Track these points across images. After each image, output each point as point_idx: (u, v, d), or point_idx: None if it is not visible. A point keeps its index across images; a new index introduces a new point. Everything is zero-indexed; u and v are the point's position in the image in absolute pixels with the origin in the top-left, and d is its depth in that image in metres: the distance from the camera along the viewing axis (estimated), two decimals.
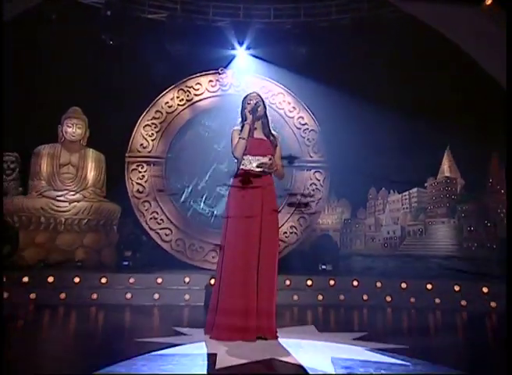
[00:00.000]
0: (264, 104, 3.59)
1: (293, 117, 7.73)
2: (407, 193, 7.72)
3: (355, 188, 7.81)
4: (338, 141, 7.44)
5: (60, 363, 2.66)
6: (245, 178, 3.36)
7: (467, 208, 7.15)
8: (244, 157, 3.38)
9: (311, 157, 7.61)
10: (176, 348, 2.95)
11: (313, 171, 7.57)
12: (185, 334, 3.42)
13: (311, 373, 2.42)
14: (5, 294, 4.79)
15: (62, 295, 4.90)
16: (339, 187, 8.01)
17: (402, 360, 2.74)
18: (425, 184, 7.62)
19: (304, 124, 7.72)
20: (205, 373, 2.38)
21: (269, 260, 3.22)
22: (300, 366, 2.55)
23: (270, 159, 3.36)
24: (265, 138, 3.48)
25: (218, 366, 2.51)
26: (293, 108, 7.74)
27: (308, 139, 7.67)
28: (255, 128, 3.47)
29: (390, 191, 7.87)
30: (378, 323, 4.59)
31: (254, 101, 3.47)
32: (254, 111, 3.42)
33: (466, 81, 7.11)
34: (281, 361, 2.68)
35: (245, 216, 3.20)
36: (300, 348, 3.03)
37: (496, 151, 7.05)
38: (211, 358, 2.67)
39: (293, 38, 7.62)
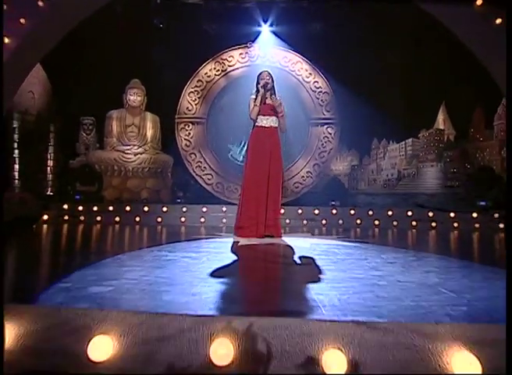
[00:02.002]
0: (272, 79, 4.80)
1: (309, 82, 8.80)
2: (403, 143, 8.76)
3: (361, 140, 8.91)
4: (347, 100, 8.48)
5: (152, 242, 4.23)
6: (259, 131, 4.69)
7: (452, 154, 8.16)
8: (258, 117, 4.68)
9: (324, 115, 8.73)
10: (215, 238, 4.46)
11: (326, 126, 8.72)
12: (221, 235, 4.92)
13: (294, 248, 3.81)
14: (99, 218, 6.49)
15: (137, 218, 6.53)
16: (350, 139, 9.11)
17: (360, 244, 4.10)
18: (419, 135, 8.61)
19: (318, 87, 8.79)
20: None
21: (275, 183, 4.57)
22: (289, 246, 3.98)
23: (279, 101, 4.65)
24: (273, 103, 4.74)
25: (239, 244, 3.98)
26: (310, 74, 8.80)
27: (322, 100, 8.76)
28: (266, 97, 4.73)
29: (390, 141, 8.93)
30: (363, 234, 5.84)
31: (266, 79, 4.70)
32: (265, 86, 4.67)
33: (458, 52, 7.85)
34: (278, 243, 4.12)
35: (259, 155, 4.55)
36: (294, 240, 4.44)
37: (480, 107, 7.89)
38: (236, 242, 4.13)
39: (309, 15, 8.53)
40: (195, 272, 2.39)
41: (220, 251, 3.41)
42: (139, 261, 2.81)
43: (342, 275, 2.37)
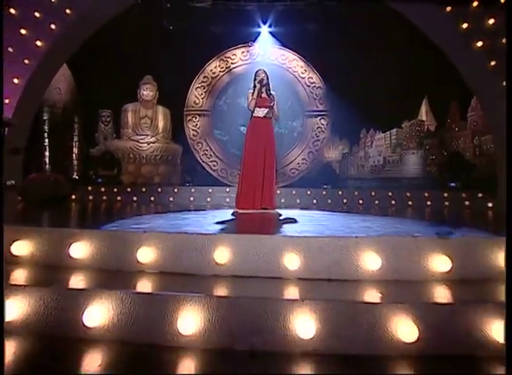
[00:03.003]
0: (267, 76, 5.54)
1: (304, 77, 9.56)
2: (388, 132, 9.49)
3: (351, 130, 9.66)
4: (339, 94, 9.21)
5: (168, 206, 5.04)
6: (255, 121, 5.46)
7: (431, 142, 8.88)
8: (255, 109, 5.44)
9: (318, 107, 9.50)
10: (219, 210, 5.26)
11: (319, 118, 9.49)
12: (224, 208, 5.73)
13: (282, 214, 4.60)
14: (119, 197, 7.31)
15: (152, 198, 7.35)
16: (341, 130, 9.86)
17: (337, 213, 4.89)
18: (402, 125, 9.34)
19: (312, 83, 9.55)
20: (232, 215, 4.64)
21: (270, 165, 5.30)
22: (279, 213, 4.77)
23: (272, 103, 5.41)
24: (267, 97, 5.49)
25: (239, 212, 4.78)
26: (305, 70, 9.56)
27: (316, 94, 9.52)
28: (262, 92, 5.48)
29: (376, 131, 9.67)
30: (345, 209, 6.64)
31: (261, 76, 5.45)
32: (261, 82, 5.42)
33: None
34: (271, 212, 4.91)
35: (255, 141, 5.32)
36: (284, 211, 5.23)
37: (455, 101, 8.59)
38: (235, 211, 4.93)
39: (304, 17, 9.23)
40: (204, 222, 3.20)
41: (223, 215, 4.22)
42: (161, 217, 3.62)
43: (311, 223, 3.17)
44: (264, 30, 9.53)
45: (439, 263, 2.18)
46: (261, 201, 5.24)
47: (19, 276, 2.20)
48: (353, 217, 4.07)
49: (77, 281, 2.12)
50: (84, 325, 1.86)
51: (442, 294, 2.02)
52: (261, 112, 5.43)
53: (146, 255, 2.31)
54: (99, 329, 1.87)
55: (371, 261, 2.20)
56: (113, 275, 2.25)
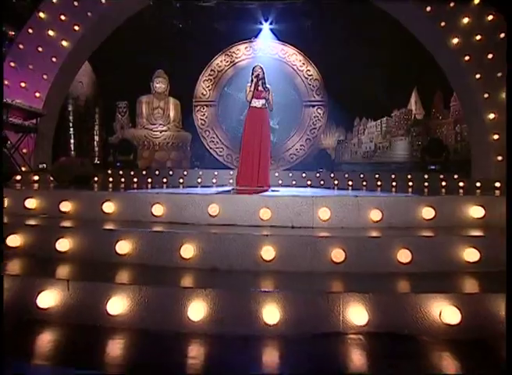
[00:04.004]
0: (263, 71, 6.19)
1: (302, 70, 10.17)
2: (379, 120, 10.09)
3: (346, 119, 10.27)
4: (334, 86, 9.80)
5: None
6: (253, 110, 6.14)
7: (417, 129, 9.46)
8: (252, 100, 6.11)
9: (315, 98, 10.12)
10: (222, 187, 6.00)
11: (316, 107, 10.12)
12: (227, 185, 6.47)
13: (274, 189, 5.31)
14: (135, 179, 8.09)
15: (164, 179, 8.11)
16: (337, 118, 10.46)
17: (323, 189, 5.58)
18: (392, 114, 9.93)
19: (310, 75, 10.16)
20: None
21: (265, 148, 6.00)
22: (273, 189, 5.48)
23: (266, 97, 6.07)
24: (263, 89, 6.16)
25: (236, 187, 5.51)
26: (303, 64, 10.16)
27: (313, 85, 10.14)
28: (258, 85, 6.14)
29: (369, 119, 10.26)
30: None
31: (258, 71, 6.11)
32: (258, 76, 6.08)
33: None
34: (264, 188, 5.63)
35: (252, 128, 6.01)
36: (277, 188, 5.94)
37: (439, 91, 9.14)
38: (235, 187, 5.65)
39: (302, 14, 9.81)
40: (208, 190, 3.94)
41: (224, 188, 4.96)
42: (173, 189, 4.37)
43: (288, 192, 3.88)
44: (266, 26, 10.14)
45: (373, 215, 2.89)
46: (258, 181, 5.94)
47: (67, 223, 2.96)
48: (328, 190, 4.77)
49: (109, 225, 2.88)
50: (116, 253, 2.61)
51: (370, 233, 2.72)
52: (257, 103, 6.07)
53: (158, 209, 3.05)
54: (126, 256, 2.62)
55: (323, 213, 2.91)
56: (134, 223, 3.00)
